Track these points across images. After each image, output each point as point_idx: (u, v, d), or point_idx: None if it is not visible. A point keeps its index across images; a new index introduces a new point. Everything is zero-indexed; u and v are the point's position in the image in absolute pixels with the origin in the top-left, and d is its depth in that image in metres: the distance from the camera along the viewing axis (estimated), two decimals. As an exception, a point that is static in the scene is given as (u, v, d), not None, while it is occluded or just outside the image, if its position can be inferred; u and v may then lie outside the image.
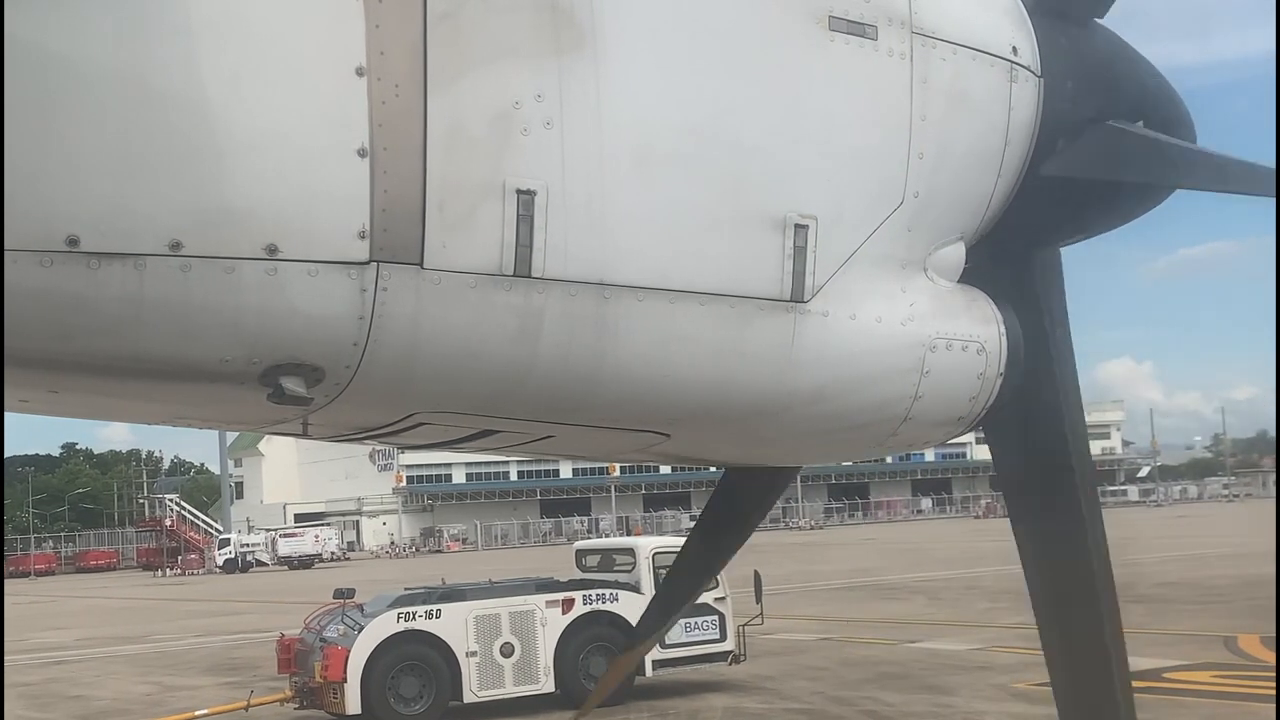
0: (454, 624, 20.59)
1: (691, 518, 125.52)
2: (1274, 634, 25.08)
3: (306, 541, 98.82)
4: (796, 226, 5.34)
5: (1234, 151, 6.59)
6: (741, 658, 22.90)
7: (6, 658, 21.13)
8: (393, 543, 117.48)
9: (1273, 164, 6.37)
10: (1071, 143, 6.16)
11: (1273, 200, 6.20)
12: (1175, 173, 6.54)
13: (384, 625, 20.28)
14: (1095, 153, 6.22)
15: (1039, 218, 6.24)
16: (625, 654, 10.64)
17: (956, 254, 5.98)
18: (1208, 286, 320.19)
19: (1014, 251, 6.28)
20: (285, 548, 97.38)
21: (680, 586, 8.79)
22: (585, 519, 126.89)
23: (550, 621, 21.24)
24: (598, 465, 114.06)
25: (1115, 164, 6.32)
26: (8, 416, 5.19)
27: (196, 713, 21.91)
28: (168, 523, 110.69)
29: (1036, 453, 6.41)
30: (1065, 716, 6.52)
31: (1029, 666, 23.49)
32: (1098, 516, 6.44)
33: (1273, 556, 40.21)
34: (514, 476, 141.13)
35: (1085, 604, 6.39)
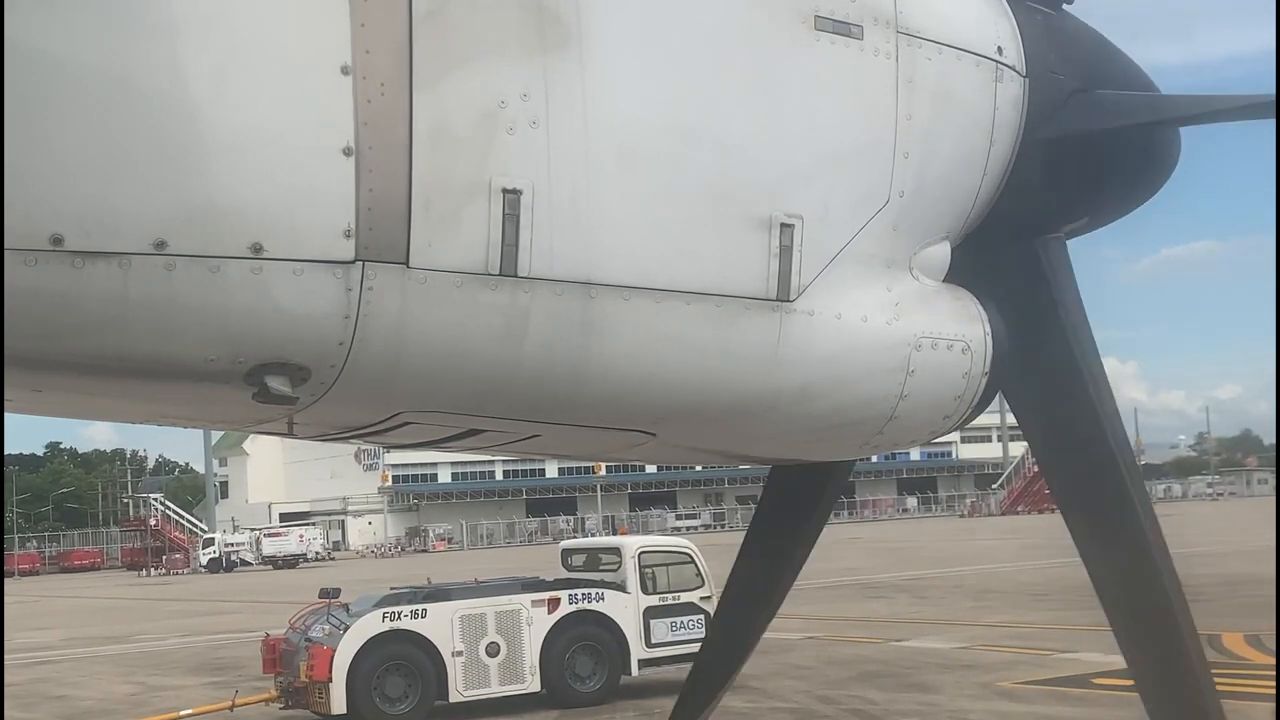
0: (440, 624, 20.57)
1: (677, 517, 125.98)
2: (1257, 633, 25.19)
3: (291, 541, 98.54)
4: (782, 226, 5.35)
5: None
6: (727, 656, 22.89)
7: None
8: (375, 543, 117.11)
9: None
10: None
11: (1273, 123, 6.06)
12: (1169, 112, 6.56)
13: (369, 625, 20.26)
14: (1087, 114, 6.22)
15: (1040, 201, 6.23)
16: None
17: (942, 253, 5.99)
18: (1190, 286, 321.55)
19: (1019, 240, 6.26)
20: (270, 547, 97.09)
21: (741, 618, 7.90)
22: (571, 518, 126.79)
23: (536, 621, 21.24)
24: (583, 464, 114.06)
25: (1108, 119, 6.31)
26: (-8, 416, 5.17)
27: (181, 713, 21.87)
28: (152, 522, 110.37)
29: (1076, 445, 6.34)
30: (1150, 702, 6.42)
31: (1014, 665, 23.61)
32: (1146, 501, 6.39)
33: (1257, 554, 40.41)
34: (500, 476, 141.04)
35: (1151, 593, 6.29)
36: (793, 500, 7.43)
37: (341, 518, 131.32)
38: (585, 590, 21.93)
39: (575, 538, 79.21)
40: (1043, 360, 6.26)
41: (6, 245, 4.13)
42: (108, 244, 4.23)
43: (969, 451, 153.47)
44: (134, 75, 4.22)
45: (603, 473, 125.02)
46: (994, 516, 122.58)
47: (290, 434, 5.51)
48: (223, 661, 31.17)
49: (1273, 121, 5.92)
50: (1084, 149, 6.32)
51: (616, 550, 23.36)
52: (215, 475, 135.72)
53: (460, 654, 20.58)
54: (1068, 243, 6.62)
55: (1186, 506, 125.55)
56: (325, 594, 21.57)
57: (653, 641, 22.08)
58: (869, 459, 7.28)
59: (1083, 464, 6.37)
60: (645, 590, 22.25)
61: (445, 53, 4.66)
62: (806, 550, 7.60)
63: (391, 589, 22.40)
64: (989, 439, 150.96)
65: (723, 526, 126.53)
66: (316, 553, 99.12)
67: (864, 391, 5.76)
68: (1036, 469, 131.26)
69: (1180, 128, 6.68)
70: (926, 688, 21.88)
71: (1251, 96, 6.21)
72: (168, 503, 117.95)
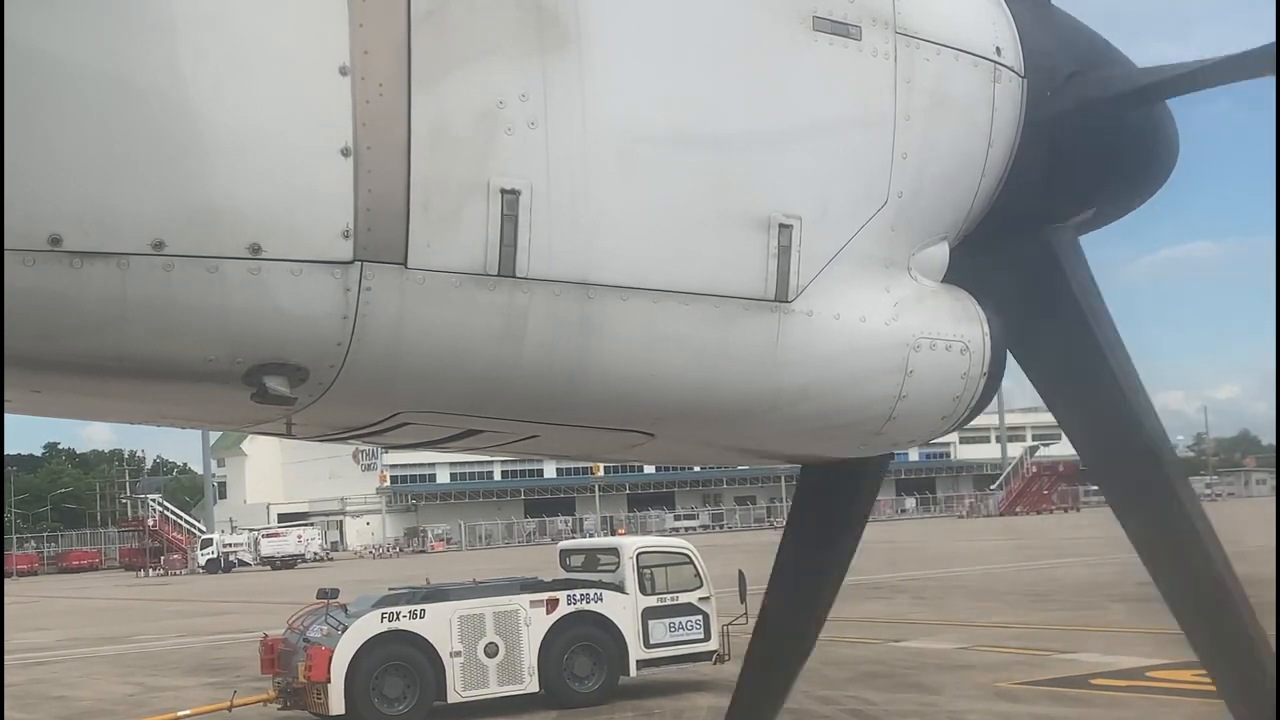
0: (438, 624, 20.59)
1: (676, 517, 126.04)
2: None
3: (289, 541, 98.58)
4: (781, 226, 5.34)
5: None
6: (726, 657, 22.91)
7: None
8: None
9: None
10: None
11: (1273, 80, 5.95)
12: (1164, 87, 6.44)
13: (368, 625, 20.28)
14: (1085, 91, 6.19)
15: (1046, 191, 6.19)
16: None
17: (940, 253, 5.99)
18: (1189, 287, 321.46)
19: (1030, 231, 6.22)
20: (268, 548, 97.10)
21: (783, 644, 7.96)
22: (569, 519, 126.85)
23: (534, 621, 21.25)
24: (582, 465, 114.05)
25: (1106, 93, 6.27)
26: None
27: (179, 713, 21.89)
28: (150, 523, 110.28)
29: (1117, 444, 6.31)
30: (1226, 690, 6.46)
31: (1013, 665, 23.62)
32: (1190, 492, 6.38)
33: (1254, 555, 40.45)
34: (498, 476, 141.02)
35: (1210, 583, 6.30)
36: (826, 502, 7.14)
37: (340, 518, 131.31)
38: (584, 591, 21.95)
39: (573, 538, 79.23)
40: (1069, 352, 6.23)
41: (5, 245, 4.13)
42: (106, 244, 4.23)
43: (967, 452, 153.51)
44: (133, 75, 4.22)
45: (601, 473, 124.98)
46: (992, 517, 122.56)
47: (288, 434, 5.51)
48: (221, 662, 31.17)
49: (1273, 78, 5.81)
50: (1084, 142, 6.30)
51: (615, 551, 23.39)
52: (213, 476, 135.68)
53: (459, 654, 20.60)
54: (1090, 229, 6.60)
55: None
56: (323, 594, 21.59)
57: (651, 642, 22.09)
58: (868, 459, 7.22)
59: (1123, 458, 6.34)
60: (644, 591, 22.27)
61: (444, 53, 4.65)
62: (848, 553, 7.38)
63: (390, 589, 22.44)
64: (987, 440, 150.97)
65: (721, 527, 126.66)
66: (315, 553, 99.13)
67: (862, 392, 5.75)
68: (1035, 470, 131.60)
69: (1178, 95, 6.51)
70: (925, 688, 21.89)
71: (1245, 52, 5.99)
72: (166, 503, 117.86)
